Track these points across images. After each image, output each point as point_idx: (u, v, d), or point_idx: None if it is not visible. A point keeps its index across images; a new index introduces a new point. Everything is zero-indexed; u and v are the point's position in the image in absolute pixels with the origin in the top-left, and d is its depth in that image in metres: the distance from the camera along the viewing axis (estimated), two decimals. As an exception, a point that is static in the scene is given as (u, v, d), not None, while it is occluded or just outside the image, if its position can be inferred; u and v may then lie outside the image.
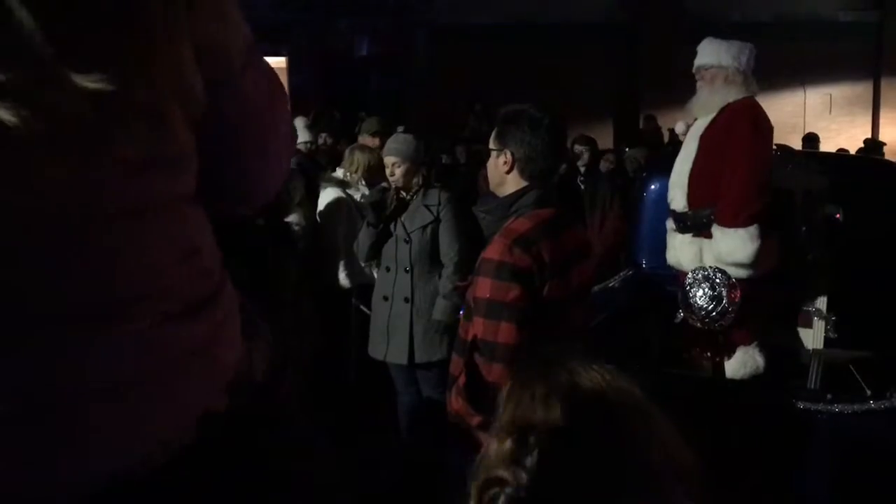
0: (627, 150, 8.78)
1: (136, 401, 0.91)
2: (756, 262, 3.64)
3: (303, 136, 8.10)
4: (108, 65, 0.83)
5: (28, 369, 0.85)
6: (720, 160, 3.75)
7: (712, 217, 3.76)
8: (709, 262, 3.69)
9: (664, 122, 13.43)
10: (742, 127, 3.73)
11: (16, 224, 0.83)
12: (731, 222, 3.66)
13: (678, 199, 3.94)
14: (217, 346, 1.00)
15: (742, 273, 3.65)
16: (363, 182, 5.35)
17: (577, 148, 7.22)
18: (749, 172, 3.66)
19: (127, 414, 0.91)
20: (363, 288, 5.17)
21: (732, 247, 3.64)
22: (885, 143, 12.45)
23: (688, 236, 3.87)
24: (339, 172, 5.48)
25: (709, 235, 3.76)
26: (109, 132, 0.86)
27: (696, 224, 3.84)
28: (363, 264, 4.90)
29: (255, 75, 1.12)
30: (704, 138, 3.87)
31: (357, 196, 5.36)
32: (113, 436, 0.90)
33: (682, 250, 3.89)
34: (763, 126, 3.78)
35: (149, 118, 0.89)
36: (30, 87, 0.80)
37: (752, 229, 3.64)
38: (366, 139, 6.00)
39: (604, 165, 7.81)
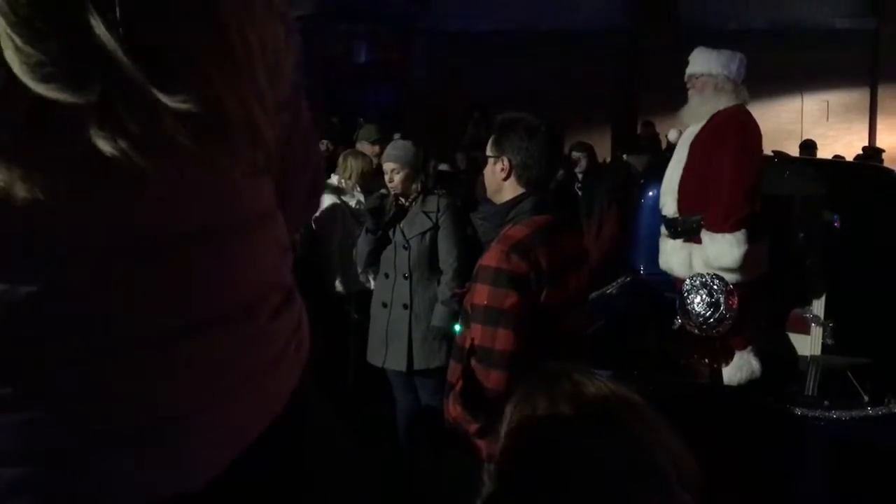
0: (625, 156, 8.80)
1: (255, 387, 1.01)
2: (743, 267, 3.67)
3: None
4: (197, 85, 0.84)
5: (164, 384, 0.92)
6: (709, 167, 3.81)
7: (702, 223, 3.79)
8: (698, 266, 3.74)
9: (662, 128, 13.43)
10: (730, 134, 3.79)
11: (132, 247, 0.87)
12: (720, 227, 3.71)
13: (669, 205, 3.99)
14: (302, 329, 1.12)
15: (731, 277, 3.68)
16: (358, 188, 5.37)
17: (575, 154, 7.24)
18: (737, 178, 3.71)
19: (251, 399, 1.00)
20: (360, 294, 5.18)
21: (719, 251, 3.69)
22: (883, 150, 12.48)
23: (678, 241, 3.93)
24: (333, 179, 5.49)
25: (698, 241, 3.81)
26: (216, 152, 0.88)
27: (686, 229, 3.90)
28: (362, 271, 4.90)
29: (302, 98, 1.19)
30: (694, 145, 3.94)
31: (352, 202, 5.37)
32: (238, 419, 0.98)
33: (672, 255, 3.95)
34: (751, 133, 3.83)
35: (249, 134, 0.91)
36: (123, 114, 0.79)
37: (740, 234, 3.68)
38: (365, 147, 6.01)
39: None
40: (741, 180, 3.72)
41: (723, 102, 3.89)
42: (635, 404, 1.30)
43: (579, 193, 6.95)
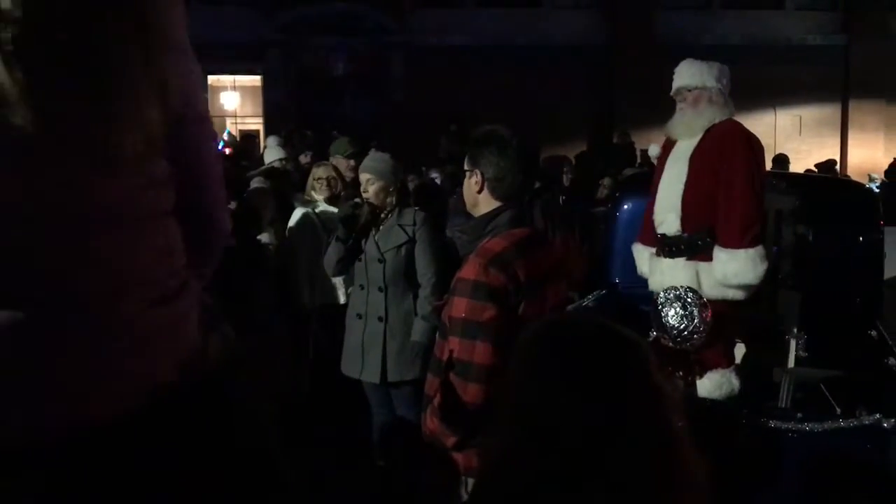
0: (604, 181, 8.85)
1: (119, 369, 1.15)
2: (759, 284, 3.61)
3: (276, 153, 8.10)
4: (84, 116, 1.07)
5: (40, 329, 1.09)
6: (715, 182, 3.71)
7: (709, 240, 3.71)
8: (707, 284, 3.62)
9: (638, 142, 13.55)
10: (737, 148, 3.69)
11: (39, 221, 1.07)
12: (738, 243, 3.61)
13: (671, 222, 3.85)
14: (180, 330, 1.24)
15: (741, 294, 3.61)
16: (320, 198, 5.41)
17: (564, 168, 7.32)
18: (749, 192, 3.61)
19: (111, 373, 1.15)
20: (325, 308, 5.17)
21: (740, 268, 3.59)
22: (836, 162, 12.68)
23: (680, 260, 3.79)
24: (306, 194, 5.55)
25: (705, 258, 3.70)
26: (113, 159, 1.10)
27: (690, 247, 3.77)
28: (332, 278, 4.89)
29: (210, 124, 1.39)
30: (695, 161, 3.81)
31: (318, 209, 5.40)
32: (99, 384, 1.13)
33: (673, 275, 3.76)
34: (757, 146, 3.76)
35: (142, 148, 1.13)
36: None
37: (760, 249, 3.61)
38: (339, 161, 6.01)
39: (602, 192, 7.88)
40: (754, 195, 3.64)
41: (717, 116, 3.81)
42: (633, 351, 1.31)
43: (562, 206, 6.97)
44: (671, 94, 3.95)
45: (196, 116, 1.29)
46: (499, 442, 1.31)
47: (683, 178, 3.82)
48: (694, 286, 3.58)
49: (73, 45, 1.04)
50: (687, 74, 3.90)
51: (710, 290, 3.59)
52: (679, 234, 3.82)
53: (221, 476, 1.23)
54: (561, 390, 1.25)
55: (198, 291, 1.31)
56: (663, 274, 3.83)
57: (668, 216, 3.87)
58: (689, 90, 3.87)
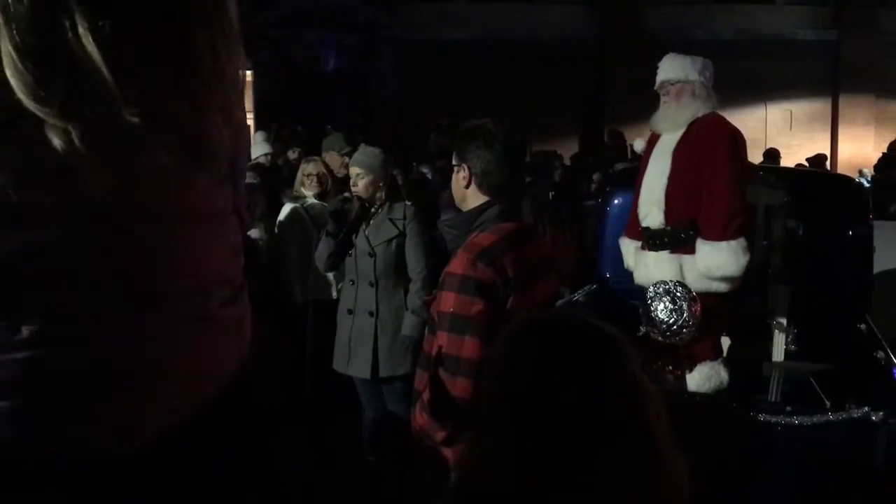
0: (594, 176, 8.87)
1: (197, 370, 1.15)
2: (742, 276, 3.63)
3: (263, 149, 8.09)
4: (152, 90, 1.01)
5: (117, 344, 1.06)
6: (698, 176, 3.73)
7: (692, 233, 3.73)
8: (691, 277, 3.65)
9: (629, 136, 13.55)
10: (719, 140, 3.72)
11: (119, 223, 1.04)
12: (720, 235, 3.63)
13: (654, 215, 3.87)
14: (244, 329, 1.25)
15: (724, 287, 3.62)
16: (310, 194, 5.39)
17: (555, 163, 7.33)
18: (731, 185, 3.64)
19: (191, 375, 1.14)
20: (319, 303, 5.15)
21: (722, 260, 3.61)
22: (826, 157, 12.68)
23: (664, 254, 3.81)
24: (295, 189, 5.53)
25: (689, 251, 3.71)
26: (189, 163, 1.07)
27: (674, 240, 3.79)
28: (323, 273, 4.88)
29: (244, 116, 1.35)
30: (678, 155, 3.83)
31: (307, 203, 5.38)
32: (180, 386, 1.13)
33: (658, 268, 3.80)
34: (740, 139, 3.79)
35: (224, 144, 1.11)
36: (80, 112, 0.95)
37: (742, 241, 3.63)
38: (333, 157, 5.99)
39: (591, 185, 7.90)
40: (736, 187, 3.66)
41: (700, 109, 3.83)
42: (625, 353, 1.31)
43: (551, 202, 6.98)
44: (655, 87, 3.98)
45: (244, 115, 1.28)
46: (478, 440, 1.31)
47: (667, 172, 3.85)
48: (678, 279, 3.61)
49: (166, 33, 1.02)
50: (670, 68, 3.94)
51: (695, 283, 3.61)
52: (662, 227, 3.85)
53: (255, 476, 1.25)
54: (540, 387, 1.24)
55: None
56: (647, 267, 3.86)
57: (651, 210, 3.89)
58: (673, 84, 3.90)
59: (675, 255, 3.78)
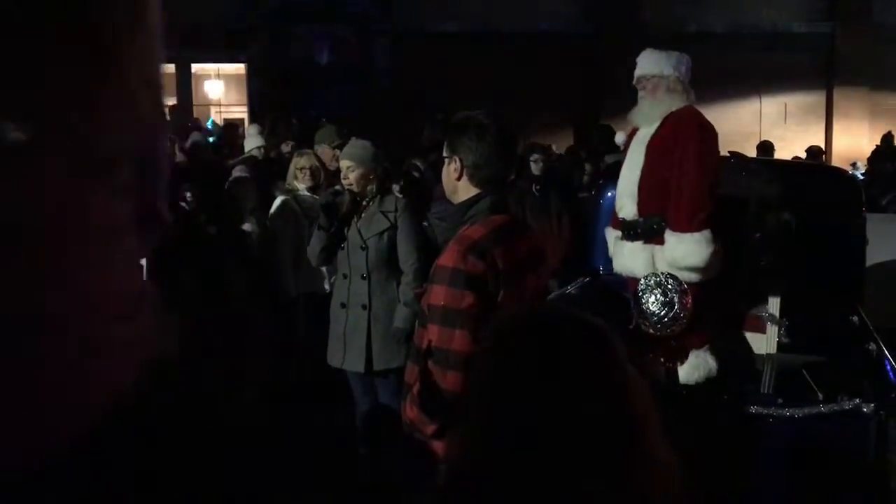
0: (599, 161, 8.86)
1: (86, 390, 1.02)
2: (708, 267, 3.68)
3: (255, 142, 8.06)
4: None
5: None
6: (668, 167, 3.81)
7: (663, 224, 3.80)
8: (662, 268, 3.72)
9: (623, 129, 13.58)
10: (689, 134, 3.79)
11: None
12: (686, 227, 3.69)
13: (628, 207, 3.95)
14: (144, 343, 1.10)
15: (694, 277, 3.68)
16: (302, 187, 5.37)
17: (533, 156, 7.25)
18: (699, 178, 3.72)
19: (80, 395, 1.01)
20: (310, 297, 5.15)
21: (687, 251, 3.67)
22: (824, 151, 12.67)
23: (638, 244, 3.89)
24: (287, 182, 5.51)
25: (660, 242, 3.79)
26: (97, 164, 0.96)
27: (646, 231, 3.87)
28: (316, 267, 4.87)
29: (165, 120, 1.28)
30: (651, 147, 3.91)
31: (298, 196, 5.37)
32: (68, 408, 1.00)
33: (632, 258, 3.89)
34: (709, 132, 3.85)
35: (121, 150, 1.00)
36: None
37: (707, 233, 3.68)
38: (325, 150, 5.97)
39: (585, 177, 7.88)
40: (703, 179, 3.72)
41: (675, 103, 3.89)
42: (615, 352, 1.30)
43: (536, 195, 6.95)
44: (633, 82, 4.04)
45: (160, 113, 1.24)
46: (463, 434, 1.30)
47: (640, 164, 3.93)
48: (650, 269, 3.69)
49: (62, 28, 0.99)
50: (646, 63, 4.01)
51: (658, 272, 3.67)
52: (636, 218, 3.92)
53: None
54: (526, 380, 1.24)
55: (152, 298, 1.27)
56: (624, 257, 3.98)
57: (626, 201, 3.98)
58: (648, 79, 3.97)
59: (648, 246, 3.86)
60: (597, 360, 1.26)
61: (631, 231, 3.93)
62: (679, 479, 1.26)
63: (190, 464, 1.14)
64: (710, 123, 3.90)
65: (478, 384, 1.33)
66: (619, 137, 9.38)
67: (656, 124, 3.92)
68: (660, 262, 3.78)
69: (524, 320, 1.36)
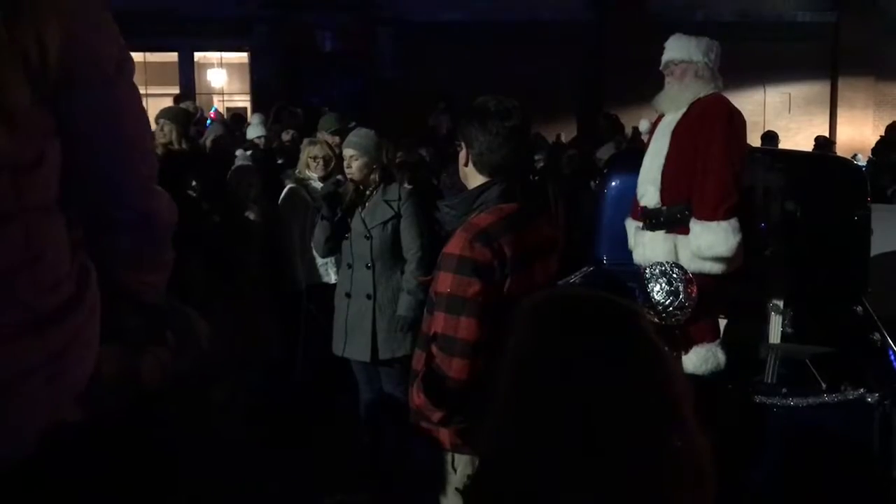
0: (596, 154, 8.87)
1: None
2: (734, 257, 3.63)
3: (258, 131, 8.04)
4: None
5: None
6: (694, 155, 3.73)
7: (687, 212, 3.73)
8: (684, 257, 3.65)
9: (629, 118, 13.53)
10: (717, 121, 3.71)
11: None
12: (712, 215, 3.63)
13: (650, 194, 3.87)
14: (68, 360, 0.98)
15: (717, 268, 3.62)
16: (314, 176, 5.34)
17: (536, 157, 7.32)
18: (726, 166, 3.64)
19: None
20: (316, 287, 5.14)
21: (713, 240, 3.61)
22: (834, 142, 12.62)
23: (660, 233, 3.81)
24: (297, 170, 5.49)
25: (684, 231, 3.71)
26: None
27: (669, 220, 3.79)
28: (322, 259, 4.86)
29: (129, 87, 1.12)
30: (677, 134, 3.82)
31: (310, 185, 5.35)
32: None
33: (653, 248, 3.81)
34: (737, 120, 3.78)
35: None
36: None
37: (734, 222, 3.62)
38: (325, 137, 5.97)
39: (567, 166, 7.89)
40: (731, 168, 3.66)
41: (703, 90, 3.81)
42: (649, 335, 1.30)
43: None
44: (660, 68, 3.97)
45: (102, 80, 1.05)
46: (498, 424, 1.30)
47: (665, 152, 3.86)
48: (672, 259, 3.63)
49: None
50: (674, 48, 3.92)
51: (688, 263, 3.62)
52: (658, 206, 3.85)
53: None
54: (563, 365, 1.23)
55: (95, 305, 1.04)
56: (645, 247, 3.88)
57: (648, 189, 3.90)
58: (676, 64, 3.89)
59: (671, 235, 3.79)
60: (636, 339, 1.27)
61: (653, 220, 3.86)
62: (712, 468, 1.26)
63: (196, 450, 1.12)
64: (738, 111, 3.82)
65: (514, 370, 1.31)
66: (644, 125, 9.30)
67: (683, 110, 3.84)
68: (683, 252, 3.71)
69: (558, 303, 1.35)
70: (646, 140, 4.81)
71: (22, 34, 0.94)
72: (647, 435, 1.20)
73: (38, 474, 0.94)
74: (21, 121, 0.94)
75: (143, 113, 1.18)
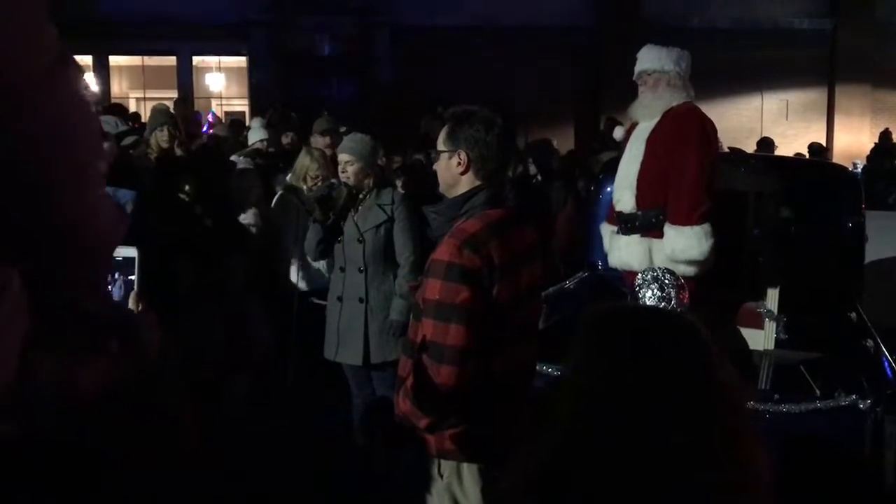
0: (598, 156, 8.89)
1: None
2: (706, 261, 3.71)
3: (259, 134, 8.04)
4: None
5: None
6: (668, 162, 3.83)
7: (661, 217, 3.81)
8: (658, 261, 3.74)
9: (624, 125, 13.58)
10: (689, 129, 3.83)
11: None
12: (685, 220, 3.73)
13: (626, 200, 3.98)
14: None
15: (691, 271, 3.70)
16: (309, 187, 5.30)
17: (532, 169, 7.35)
18: (699, 172, 3.75)
19: None
20: (317, 293, 5.12)
21: (686, 244, 3.71)
22: (828, 149, 12.64)
23: (635, 237, 3.93)
24: (290, 177, 5.46)
25: (658, 235, 3.82)
26: None
27: (644, 224, 3.90)
28: (312, 262, 4.85)
29: (67, 84, 1.00)
30: (651, 141, 3.94)
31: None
32: None
33: (629, 251, 3.93)
34: (709, 128, 3.89)
35: None
36: None
37: (707, 227, 3.72)
38: (317, 140, 5.96)
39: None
40: (703, 174, 3.77)
41: (675, 99, 3.94)
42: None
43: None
44: (633, 78, 4.07)
45: (28, 85, 0.95)
46: (563, 428, 1.30)
47: (640, 158, 3.98)
48: (647, 262, 3.72)
49: None
50: (647, 59, 4.05)
51: (660, 266, 3.68)
52: (634, 211, 3.95)
53: None
54: (633, 378, 1.25)
55: (24, 310, 0.98)
56: (620, 250, 4.01)
57: (624, 194, 4.02)
58: (649, 74, 4.01)
59: (645, 239, 3.90)
60: (699, 355, 1.29)
61: (628, 224, 3.96)
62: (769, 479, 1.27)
63: (190, 454, 1.09)
64: (709, 119, 3.93)
65: (585, 378, 1.32)
66: (619, 132, 9.41)
67: (656, 119, 3.96)
68: (657, 255, 3.81)
69: (623, 319, 1.37)
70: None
71: None
72: (714, 459, 1.22)
73: None
74: None
75: (87, 117, 1.04)
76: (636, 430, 1.22)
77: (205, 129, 10.19)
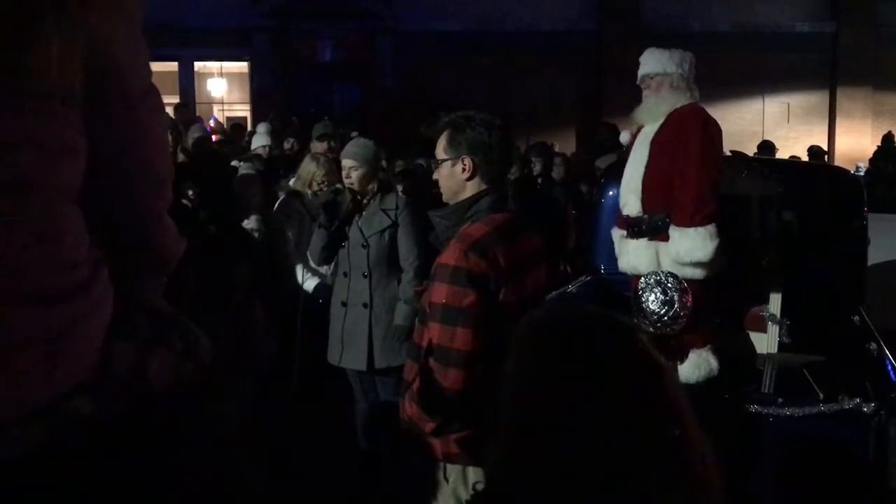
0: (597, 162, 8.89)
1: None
2: (712, 262, 3.69)
3: (263, 140, 8.05)
4: None
5: None
6: (673, 164, 3.82)
7: (667, 220, 3.80)
8: (666, 264, 3.72)
9: (626, 128, 13.56)
10: (693, 131, 3.81)
11: None
12: (689, 222, 3.71)
13: (632, 203, 3.97)
14: (69, 341, 0.97)
15: (697, 273, 3.68)
16: (314, 192, 5.30)
17: (533, 159, 7.33)
18: (702, 174, 3.73)
19: None
20: (308, 296, 5.12)
21: (691, 246, 3.68)
22: (828, 152, 12.63)
23: (643, 241, 3.90)
24: (292, 182, 5.46)
25: (665, 238, 3.79)
26: None
27: (651, 228, 3.88)
28: (317, 267, 4.85)
29: (153, 107, 1.15)
30: (656, 144, 3.93)
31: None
32: None
33: (637, 255, 3.91)
34: (713, 129, 3.87)
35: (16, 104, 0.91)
36: None
37: (711, 228, 3.69)
38: (316, 145, 5.97)
39: (557, 172, 7.88)
40: (707, 175, 3.75)
41: (679, 101, 3.92)
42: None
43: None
44: (637, 82, 4.08)
45: (127, 101, 1.07)
46: (502, 443, 1.30)
47: (645, 161, 3.96)
48: (654, 266, 3.71)
49: None
50: (649, 62, 4.05)
51: (670, 269, 3.68)
52: (640, 215, 3.95)
53: None
54: (563, 384, 1.24)
55: (108, 295, 1.05)
56: (629, 255, 4.00)
57: (629, 198, 4.01)
58: (652, 77, 4.01)
59: (653, 242, 3.88)
60: (634, 353, 1.27)
61: (636, 228, 3.95)
62: (711, 454, 1.27)
63: (194, 459, 1.11)
64: (713, 120, 3.92)
65: (517, 389, 1.32)
66: (624, 137, 9.43)
67: (660, 122, 3.95)
68: (664, 259, 3.79)
69: (555, 323, 1.36)
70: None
71: (86, 20, 0.97)
72: (648, 447, 1.20)
73: (46, 460, 0.94)
74: (58, 108, 0.95)
75: (165, 144, 1.22)
76: (572, 441, 1.21)
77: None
